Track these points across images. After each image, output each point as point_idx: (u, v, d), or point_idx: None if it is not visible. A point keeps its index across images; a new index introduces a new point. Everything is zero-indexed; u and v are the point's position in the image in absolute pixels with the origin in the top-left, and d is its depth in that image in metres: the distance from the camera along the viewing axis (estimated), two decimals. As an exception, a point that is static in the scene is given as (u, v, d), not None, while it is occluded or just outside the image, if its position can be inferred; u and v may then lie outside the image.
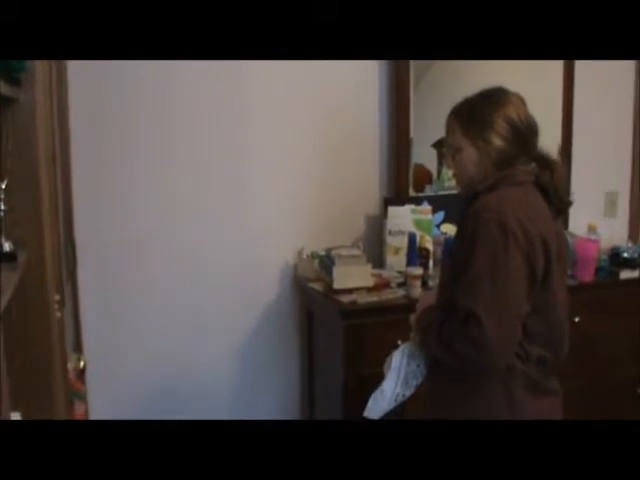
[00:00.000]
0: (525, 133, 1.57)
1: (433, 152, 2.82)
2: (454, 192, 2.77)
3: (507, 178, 1.55)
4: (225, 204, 2.55)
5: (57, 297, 1.42)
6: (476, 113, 1.58)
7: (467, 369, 1.50)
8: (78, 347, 2.27)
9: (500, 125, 1.55)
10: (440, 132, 2.76)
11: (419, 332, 1.63)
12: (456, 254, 1.53)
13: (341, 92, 2.64)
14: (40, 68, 1.29)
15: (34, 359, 1.30)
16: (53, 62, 1.63)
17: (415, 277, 2.38)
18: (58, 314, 1.42)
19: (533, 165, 1.60)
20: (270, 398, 2.72)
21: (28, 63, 1.21)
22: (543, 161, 1.60)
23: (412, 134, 2.71)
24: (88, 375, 2.23)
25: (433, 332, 1.52)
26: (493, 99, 1.58)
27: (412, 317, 1.69)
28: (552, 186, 1.57)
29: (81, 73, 2.22)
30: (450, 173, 2.88)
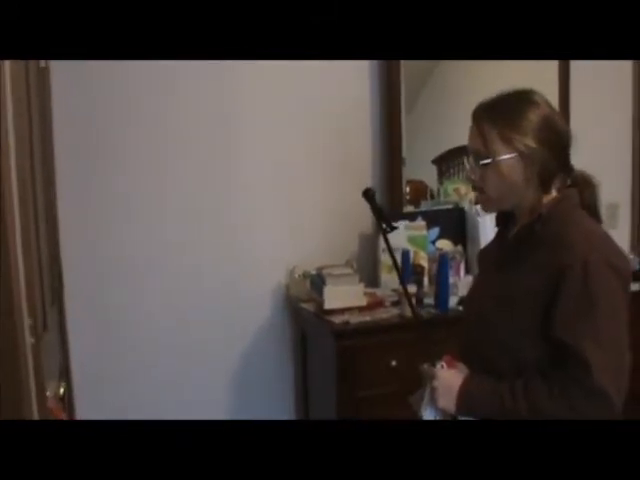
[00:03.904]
0: (566, 141, 1.37)
1: (432, 168, 2.83)
2: (449, 207, 2.76)
3: (567, 199, 1.36)
4: (218, 226, 2.53)
5: (30, 322, 1.38)
6: (513, 114, 1.33)
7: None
8: (66, 373, 2.22)
9: (541, 127, 1.32)
10: (437, 149, 2.79)
11: (467, 410, 1.36)
12: (529, 289, 1.31)
13: (334, 111, 2.62)
14: (13, 87, 1.25)
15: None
16: (31, 84, 1.60)
17: (408, 295, 2.31)
18: (32, 340, 1.38)
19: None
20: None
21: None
22: (582, 180, 1.39)
23: (405, 152, 2.70)
24: (77, 403, 2.18)
25: (519, 401, 1.29)
26: (523, 97, 1.37)
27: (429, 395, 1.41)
28: (595, 208, 1.39)
29: (65, 85, 2.23)
30: (450, 188, 2.86)
